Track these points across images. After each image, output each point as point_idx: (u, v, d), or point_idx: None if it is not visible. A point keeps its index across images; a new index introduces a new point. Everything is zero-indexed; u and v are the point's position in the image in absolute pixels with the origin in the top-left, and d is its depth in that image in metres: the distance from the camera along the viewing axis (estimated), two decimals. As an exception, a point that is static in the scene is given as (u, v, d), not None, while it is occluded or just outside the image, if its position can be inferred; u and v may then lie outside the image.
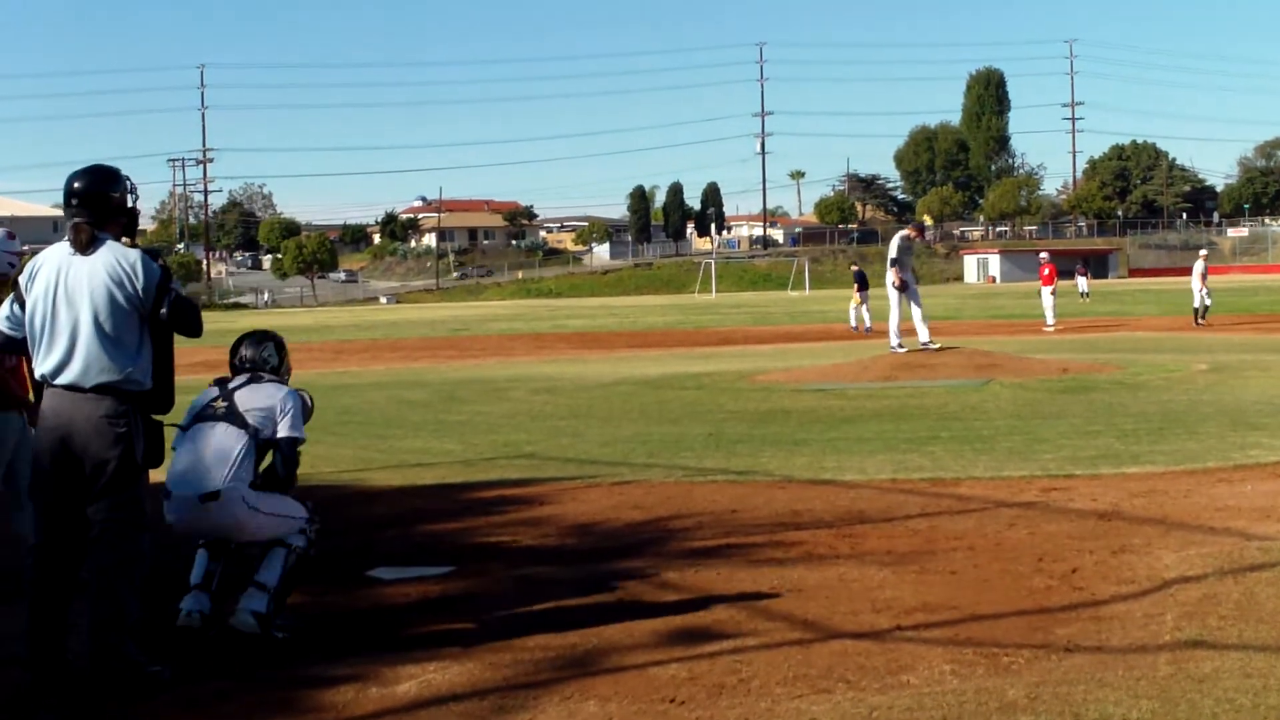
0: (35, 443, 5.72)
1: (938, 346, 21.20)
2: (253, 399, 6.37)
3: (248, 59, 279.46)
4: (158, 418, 5.81)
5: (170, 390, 5.85)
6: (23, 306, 5.71)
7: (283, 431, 6.36)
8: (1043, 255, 40.31)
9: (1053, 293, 36.99)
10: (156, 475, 6.17)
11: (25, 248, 7.95)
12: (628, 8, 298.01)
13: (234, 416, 6.29)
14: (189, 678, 5.64)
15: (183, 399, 6.11)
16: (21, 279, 5.76)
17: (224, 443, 6.21)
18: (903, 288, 21.45)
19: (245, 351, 6.68)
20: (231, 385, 6.48)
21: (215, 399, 6.39)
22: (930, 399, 16.14)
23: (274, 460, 6.41)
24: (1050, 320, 36.25)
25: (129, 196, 5.82)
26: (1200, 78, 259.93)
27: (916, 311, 21.51)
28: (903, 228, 23.21)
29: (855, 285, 39.49)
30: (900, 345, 21.45)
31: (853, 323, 38.80)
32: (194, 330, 5.82)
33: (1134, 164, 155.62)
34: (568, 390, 19.94)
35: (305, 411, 6.60)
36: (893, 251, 21.78)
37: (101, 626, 5.58)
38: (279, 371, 6.68)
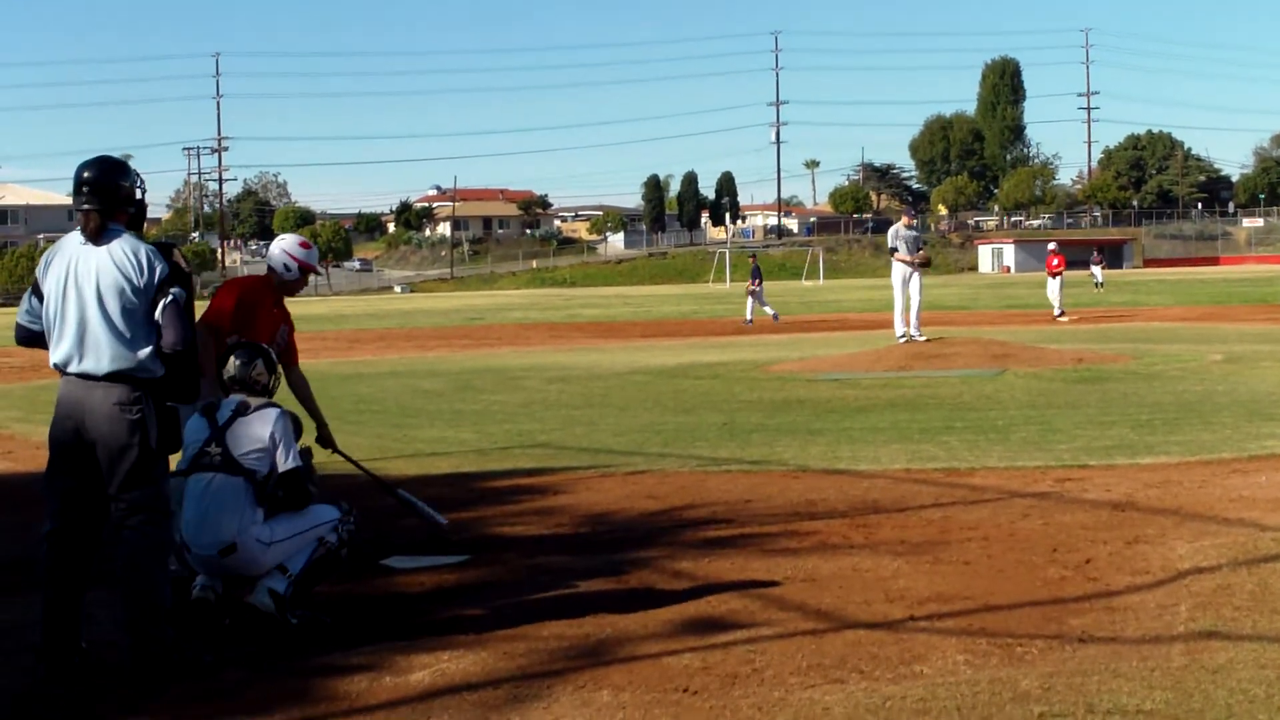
0: (51, 430, 5.74)
1: (924, 339, 21.40)
2: (245, 438, 6.36)
3: (263, 47, 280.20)
4: (173, 404, 5.81)
5: (195, 379, 5.84)
6: (41, 298, 5.73)
7: (283, 465, 6.39)
8: (1051, 245, 40.23)
9: (1060, 282, 36.72)
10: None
11: (314, 259, 8.17)
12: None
13: (230, 465, 6.30)
14: (206, 665, 5.67)
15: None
16: (38, 270, 5.80)
17: (226, 495, 6.26)
18: (924, 264, 21.67)
19: (235, 371, 6.62)
20: (221, 420, 6.44)
21: (208, 443, 6.37)
22: (945, 389, 16.13)
23: (281, 492, 6.43)
24: (1058, 310, 36.08)
25: (137, 189, 5.84)
26: (1216, 67, 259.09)
27: (915, 300, 21.73)
28: (899, 218, 23.37)
29: (751, 278, 39.81)
30: (918, 334, 21.57)
31: (760, 314, 38.58)
32: (180, 340, 5.59)
33: (1149, 154, 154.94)
34: (582, 379, 19.95)
35: (296, 432, 6.63)
36: (891, 241, 22.12)
37: (139, 617, 5.61)
38: (269, 388, 6.67)
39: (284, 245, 8.06)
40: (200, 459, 6.35)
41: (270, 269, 8.02)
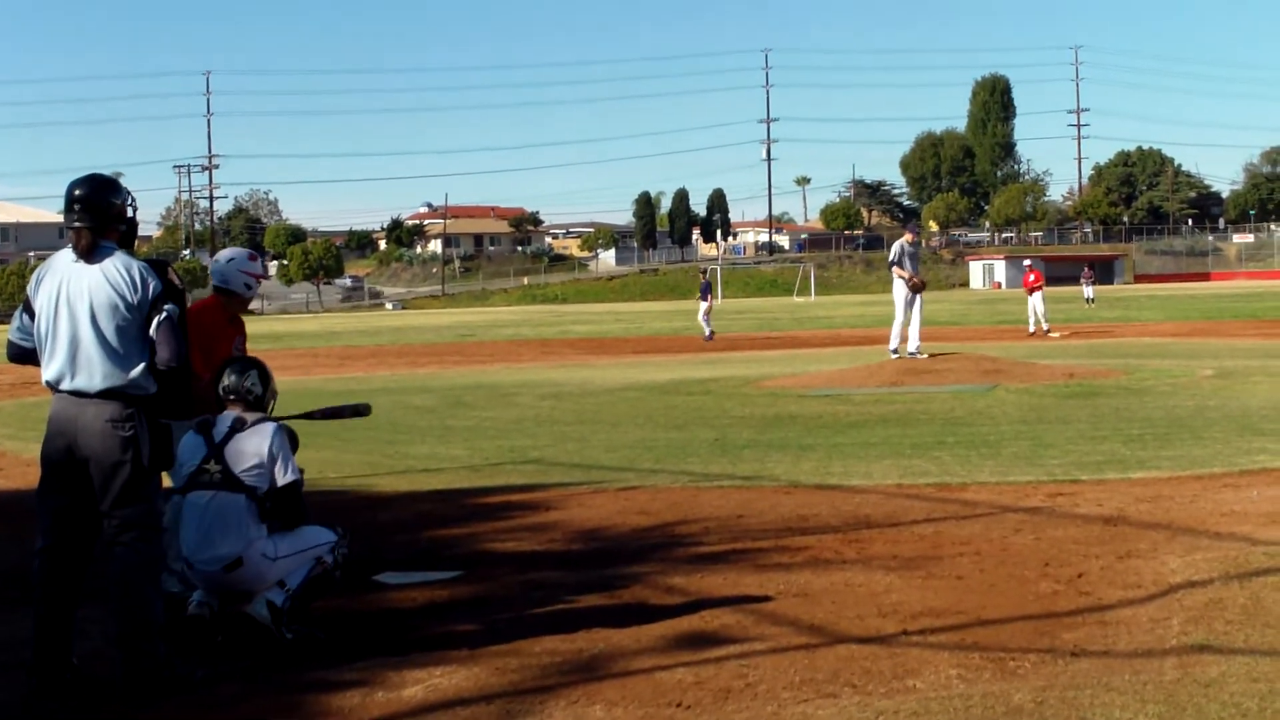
0: (43, 448, 5.73)
1: (926, 355, 21.40)
2: (242, 453, 6.36)
3: (253, 65, 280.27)
4: (166, 420, 5.81)
5: (189, 396, 5.84)
6: (32, 316, 5.73)
7: (282, 480, 6.39)
8: (1026, 262, 40.45)
9: (1040, 298, 36.66)
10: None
11: (262, 268, 8.09)
12: (634, 13, 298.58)
13: (230, 482, 6.31)
14: (197, 680, 5.66)
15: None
16: (29, 287, 5.78)
17: (228, 511, 6.27)
18: (916, 289, 21.71)
19: (229, 380, 6.61)
20: (218, 437, 6.42)
21: (206, 460, 6.37)
22: (936, 404, 16.14)
23: (279, 507, 6.43)
24: (1040, 325, 35.96)
25: (128, 207, 5.83)
26: (1206, 84, 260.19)
27: (915, 318, 21.78)
28: (901, 234, 23.41)
29: (700, 295, 41.65)
30: (919, 352, 21.58)
31: (706, 332, 40.13)
32: (174, 356, 5.62)
33: (1140, 170, 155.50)
34: (574, 396, 19.95)
35: (293, 445, 6.62)
36: (892, 256, 22.19)
37: (131, 633, 5.60)
38: (263, 401, 6.65)
39: (238, 265, 7.84)
40: (199, 476, 6.35)
41: (228, 290, 7.82)
